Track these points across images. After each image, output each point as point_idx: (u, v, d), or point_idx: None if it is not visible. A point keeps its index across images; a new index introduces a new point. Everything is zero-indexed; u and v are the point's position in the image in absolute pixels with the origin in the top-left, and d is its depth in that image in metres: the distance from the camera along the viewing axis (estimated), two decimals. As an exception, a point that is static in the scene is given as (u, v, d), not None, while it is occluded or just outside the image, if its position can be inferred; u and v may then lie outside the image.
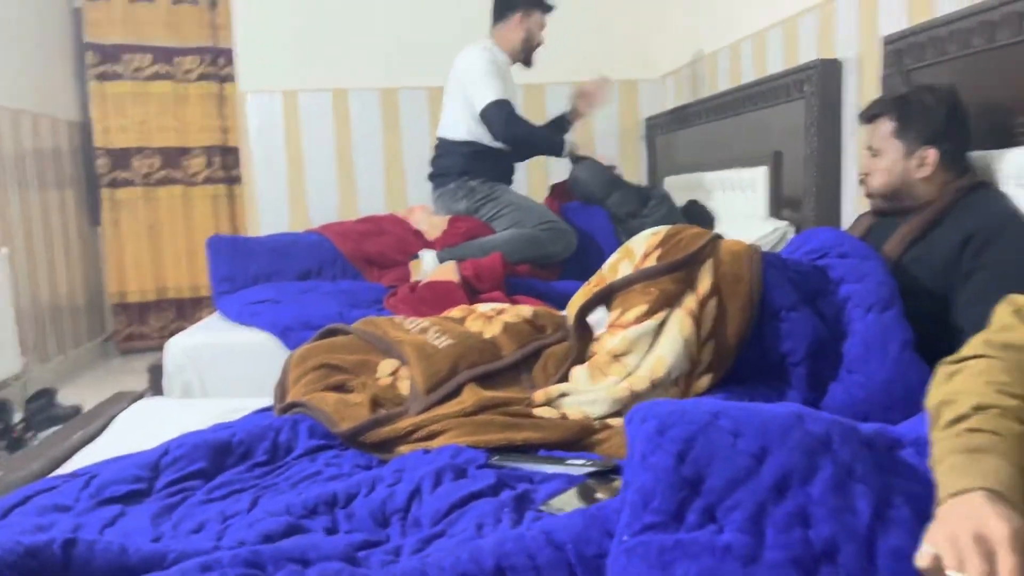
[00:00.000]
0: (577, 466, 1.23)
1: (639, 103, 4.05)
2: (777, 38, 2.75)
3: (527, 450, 1.32)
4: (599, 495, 1.08)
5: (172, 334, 2.48)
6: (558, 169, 3.21)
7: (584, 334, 1.57)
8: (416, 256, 2.83)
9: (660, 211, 2.93)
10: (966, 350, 0.91)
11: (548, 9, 3.07)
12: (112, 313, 4.75)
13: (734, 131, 2.94)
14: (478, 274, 2.56)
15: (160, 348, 2.38)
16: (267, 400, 1.68)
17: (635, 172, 4.00)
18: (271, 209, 3.89)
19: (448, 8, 3.77)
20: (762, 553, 0.75)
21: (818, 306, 1.51)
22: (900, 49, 1.96)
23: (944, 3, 1.90)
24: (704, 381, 1.46)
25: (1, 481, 1.37)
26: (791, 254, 1.66)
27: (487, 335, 1.64)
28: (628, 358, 1.46)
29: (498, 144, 3.00)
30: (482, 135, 3.00)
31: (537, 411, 1.42)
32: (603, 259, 2.76)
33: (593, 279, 1.67)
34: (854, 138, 2.29)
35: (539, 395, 1.45)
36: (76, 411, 3.14)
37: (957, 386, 0.86)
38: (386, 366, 1.61)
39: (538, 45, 3.09)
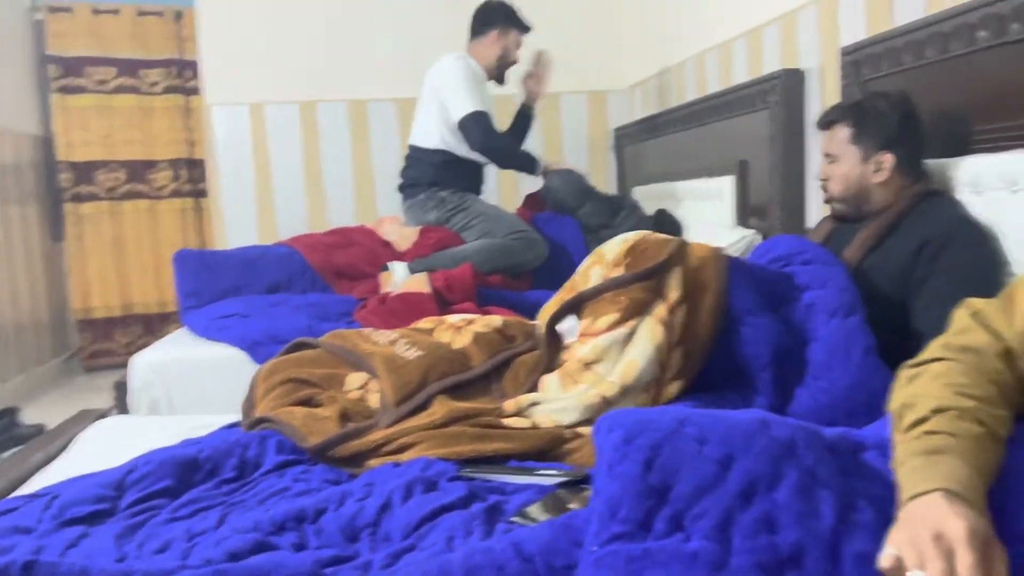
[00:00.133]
0: (548, 476, 1.23)
1: (608, 114, 4.08)
2: (742, 49, 2.79)
3: (498, 461, 1.32)
4: (570, 505, 1.09)
5: (139, 350, 2.44)
6: (530, 179, 3.23)
7: (554, 342, 1.58)
8: (386, 267, 2.82)
9: (630, 221, 2.95)
10: (926, 354, 0.93)
11: (525, 29, 3.09)
12: (77, 330, 4.67)
13: (701, 141, 2.97)
14: (449, 285, 2.56)
15: (126, 365, 2.34)
16: (236, 416, 1.66)
17: (604, 182, 4.03)
18: (239, 222, 3.86)
19: (417, 20, 3.78)
20: (729, 560, 0.75)
21: (783, 312, 1.53)
22: (857, 60, 2.00)
23: (901, 15, 1.94)
24: (674, 387, 1.47)
25: (-40, 503, 1.34)
26: (756, 261, 1.68)
27: (457, 346, 1.64)
28: (599, 366, 1.46)
29: (470, 154, 3.01)
30: (455, 145, 3.00)
31: (508, 421, 1.42)
32: (573, 269, 2.79)
33: (566, 286, 1.68)
34: (818, 147, 2.33)
35: (510, 404, 1.45)
36: (39, 430, 3.07)
37: (917, 389, 0.87)
38: (355, 379, 1.60)
39: (513, 63, 3.11)
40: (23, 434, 3.07)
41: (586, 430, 1.39)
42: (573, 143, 4.05)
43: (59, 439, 1.66)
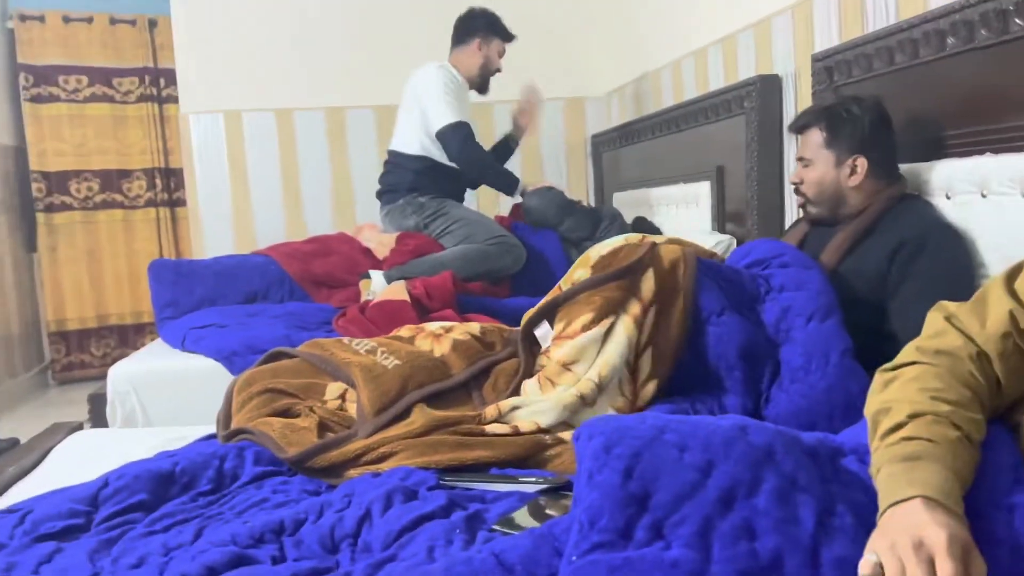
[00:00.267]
0: (529, 483, 1.22)
1: (585, 120, 4.09)
2: (717, 55, 2.81)
3: (479, 469, 1.31)
4: (551, 512, 1.08)
5: (114, 362, 2.41)
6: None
7: (532, 348, 1.58)
8: (365, 275, 2.81)
9: (611, 232, 2.95)
10: (900, 357, 0.94)
11: (508, 38, 3.09)
12: (50, 342, 4.60)
13: (678, 147, 2.99)
14: (429, 292, 2.55)
15: (101, 377, 2.31)
16: (212, 428, 1.64)
17: (582, 189, 4.04)
18: (216, 231, 3.82)
19: (395, 27, 3.78)
20: (709, 567, 0.75)
21: (757, 313, 1.54)
22: (829, 66, 2.02)
23: (873, 21, 1.97)
24: (650, 388, 1.48)
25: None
26: (734, 264, 1.69)
27: (436, 353, 1.63)
28: (577, 366, 1.47)
29: (451, 161, 3.00)
30: (436, 152, 3.00)
31: (488, 428, 1.41)
32: (552, 275, 2.79)
33: (552, 291, 1.68)
34: (795, 152, 2.35)
35: (490, 410, 1.45)
36: (13, 444, 3.02)
37: (892, 394, 0.88)
38: (334, 389, 1.59)
39: (495, 72, 3.11)
40: (-5, 448, 3.01)
41: (567, 435, 1.39)
42: (551, 150, 4.06)
43: (32, 453, 1.63)
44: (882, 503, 0.77)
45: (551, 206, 3.01)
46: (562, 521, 0.89)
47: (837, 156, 1.67)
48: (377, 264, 2.89)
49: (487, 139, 3.31)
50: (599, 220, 3.02)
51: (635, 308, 1.50)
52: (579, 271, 1.64)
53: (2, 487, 1.48)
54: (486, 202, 3.70)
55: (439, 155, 2.99)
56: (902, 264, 1.55)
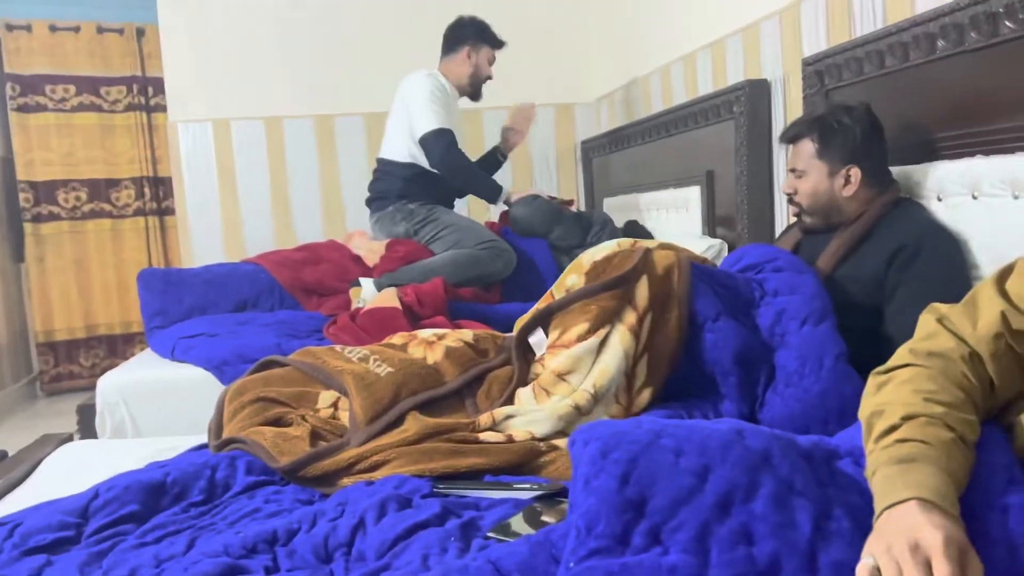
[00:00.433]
0: (524, 490, 1.22)
1: (575, 126, 4.10)
2: (706, 60, 2.82)
3: (473, 476, 1.31)
4: (546, 519, 1.08)
5: (103, 372, 2.39)
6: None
7: (526, 355, 1.57)
8: (356, 283, 2.80)
9: (602, 238, 2.94)
10: (894, 360, 0.94)
11: (498, 45, 3.09)
12: (38, 353, 4.57)
13: (668, 152, 2.99)
14: (420, 299, 2.54)
15: (90, 388, 2.29)
16: (203, 437, 1.62)
17: (572, 194, 4.04)
18: (205, 240, 3.81)
19: (384, 35, 3.77)
20: (707, 572, 0.75)
21: (752, 317, 1.54)
22: (819, 70, 2.03)
23: (861, 25, 1.98)
24: (645, 396, 1.48)
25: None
26: (726, 269, 1.69)
27: (429, 361, 1.62)
28: (572, 377, 1.46)
29: None
30: (423, 159, 3.00)
31: (482, 435, 1.40)
32: (542, 281, 2.79)
33: (544, 297, 1.68)
34: (784, 156, 2.36)
35: (484, 418, 1.44)
36: (2, 456, 2.99)
37: (886, 396, 0.88)
38: (326, 397, 1.58)
39: (486, 79, 3.11)
40: (-17, 461, 2.98)
41: (561, 442, 1.38)
42: (541, 156, 4.06)
43: (21, 465, 1.62)
44: (878, 506, 0.77)
45: (538, 215, 3.00)
46: (559, 527, 0.89)
47: (830, 167, 1.68)
48: (367, 271, 2.88)
49: (476, 145, 3.32)
50: (589, 226, 3.02)
51: (631, 317, 1.49)
52: (571, 277, 1.63)
53: (-9, 500, 1.46)
54: (477, 207, 3.70)
55: (427, 162, 2.99)
56: (900, 267, 1.56)
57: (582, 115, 4.08)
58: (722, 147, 2.54)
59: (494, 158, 3.27)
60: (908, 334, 0.98)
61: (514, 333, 1.66)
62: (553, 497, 1.18)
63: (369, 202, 3.14)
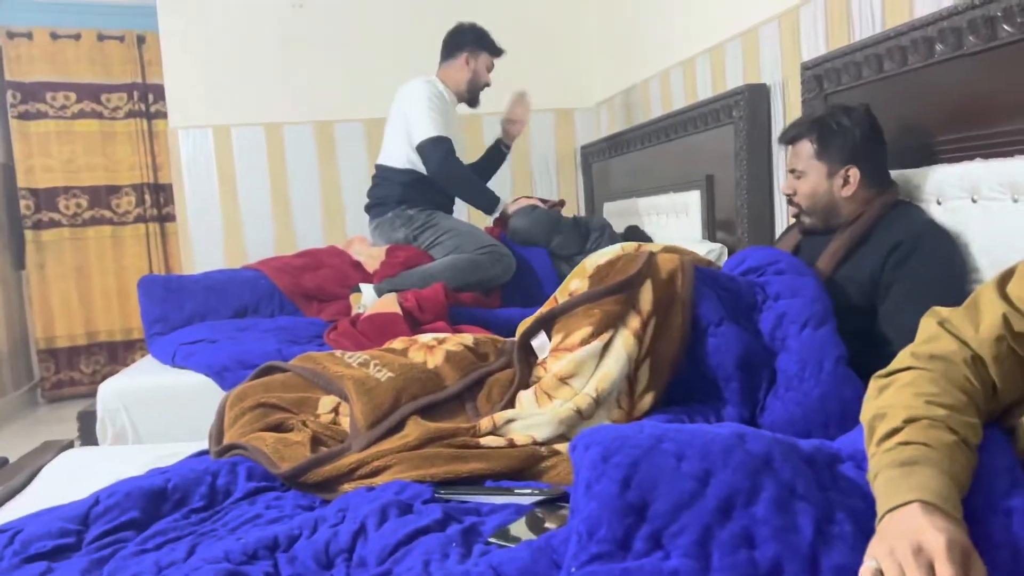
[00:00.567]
0: (525, 495, 1.21)
1: (575, 131, 4.10)
2: (705, 65, 2.82)
3: (474, 481, 1.30)
4: (548, 524, 1.07)
5: (104, 379, 2.39)
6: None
7: (528, 359, 1.57)
8: (356, 289, 2.79)
9: (601, 244, 2.94)
10: (895, 363, 0.94)
11: (497, 53, 3.09)
12: (39, 359, 4.57)
13: (667, 156, 3.00)
14: (420, 305, 2.54)
15: (91, 394, 2.29)
16: (204, 444, 1.62)
17: (572, 199, 4.05)
18: (206, 246, 3.81)
19: (384, 41, 3.78)
20: (709, 576, 0.75)
21: (753, 321, 1.54)
22: (818, 74, 2.03)
23: (859, 29, 1.98)
24: (647, 400, 1.47)
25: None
26: (728, 272, 1.69)
27: (429, 365, 1.62)
28: (575, 380, 1.46)
29: None
30: (422, 165, 3.00)
31: (483, 440, 1.40)
32: (542, 286, 2.78)
33: (548, 301, 1.68)
34: (784, 160, 2.36)
35: (485, 423, 1.44)
36: (3, 463, 2.99)
37: (888, 400, 0.88)
38: (327, 402, 1.58)
39: (485, 86, 3.11)
40: (-16, 468, 2.98)
41: (563, 447, 1.38)
42: (540, 161, 4.07)
43: (22, 472, 1.61)
44: (880, 509, 0.77)
45: (537, 226, 3.00)
46: (560, 532, 0.88)
47: (829, 167, 1.68)
48: (367, 277, 2.88)
49: (476, 151, 3.32)
50: (587, 233, 3.02)
51: (634, 322, 1.48)
52: (575, 281, 1.63)
53: (-8, 507, 1.46)
54: (477, 212, 3.70)
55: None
56: (895, 265, 1.56)
57: (582, 120, 4.09)
58: (722, 151, 2.55)
59: (497, 151, 3.27)
60: (903, 333, 0.98)
61: (517, 336, 1.66)
62: (554, 502, 1.18)
63: (368, 208, 3.15)
